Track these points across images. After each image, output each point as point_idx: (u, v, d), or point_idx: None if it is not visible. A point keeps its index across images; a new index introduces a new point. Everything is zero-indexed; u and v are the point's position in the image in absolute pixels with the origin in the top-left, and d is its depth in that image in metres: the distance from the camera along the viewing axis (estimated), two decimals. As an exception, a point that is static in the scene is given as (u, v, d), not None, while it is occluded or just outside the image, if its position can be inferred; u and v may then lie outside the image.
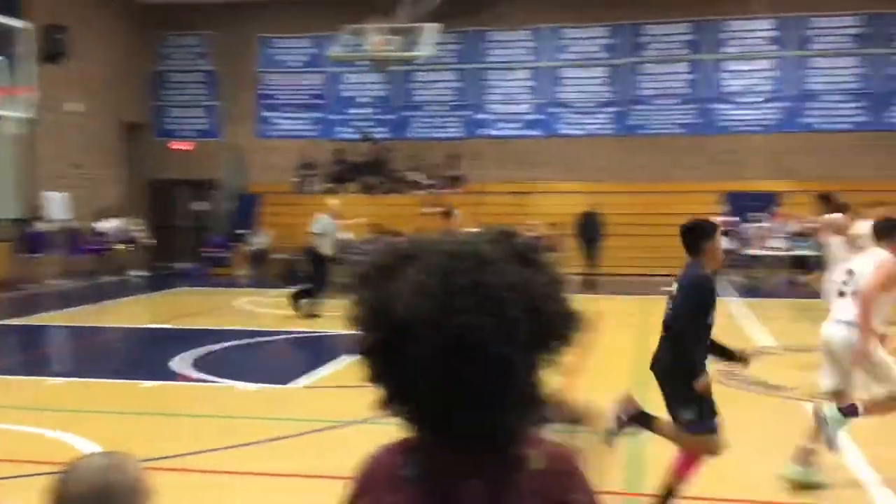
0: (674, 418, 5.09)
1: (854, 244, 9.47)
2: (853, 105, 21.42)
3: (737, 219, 19.66)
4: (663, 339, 5.22)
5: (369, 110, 24.00)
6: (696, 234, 5.13)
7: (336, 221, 14.25)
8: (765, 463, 6.30)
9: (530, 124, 23.08)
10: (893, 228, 5.93)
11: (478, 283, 1.24)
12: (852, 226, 9.62)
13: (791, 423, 7.47)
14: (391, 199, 22.09)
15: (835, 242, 9.62)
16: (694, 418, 4.95)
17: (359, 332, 1.33)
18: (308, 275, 14.13)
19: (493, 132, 23.23)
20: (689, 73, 22.30)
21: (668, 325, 5.17)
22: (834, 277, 9.38)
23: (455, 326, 1.22)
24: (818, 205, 10.15)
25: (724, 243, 20.39)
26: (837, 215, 9.81)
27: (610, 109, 22.66)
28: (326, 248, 13.86)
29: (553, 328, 1.30)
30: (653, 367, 5.31)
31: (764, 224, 19.49)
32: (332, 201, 15.03)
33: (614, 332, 12.06)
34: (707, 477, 5.90)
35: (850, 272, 5.92)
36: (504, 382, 1.25)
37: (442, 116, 23.64)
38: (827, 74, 21.56)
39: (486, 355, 1.23)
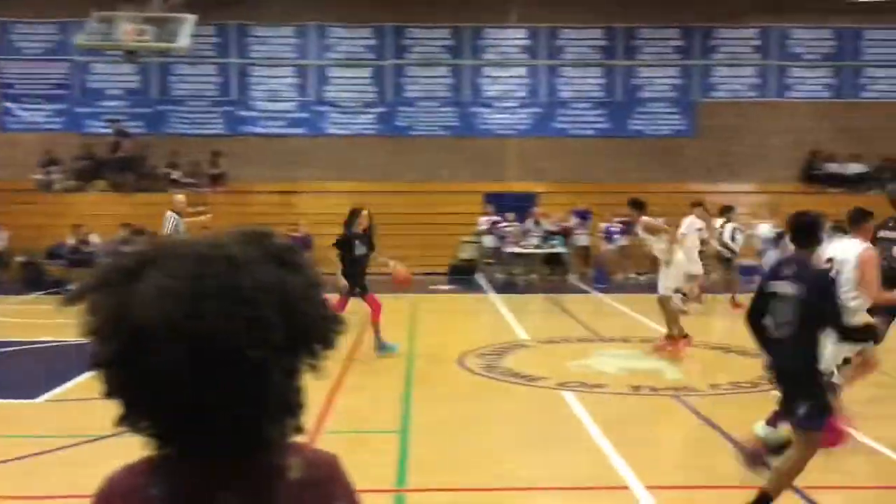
0: (789, 412, 4.90)
1: (676, 242, 10.52)
2: (598, 112, 23.11)
3: (500, 217, 20.56)
4: (789, 338, 4.84)
5: (122, 103, 22.63)
6: (813, 226, 4.94)
7: (183, 219, 13.68)
8: (525, 451, 6.58)
9: (296, 122, 22.82)
10: (863, 217, 6.51)
11: (227, 285, 1.17)
12: (664, 226, 10.83)
13: (547, 411, 7.89)
14: (146, 198, 20.92)
15: (652, 240, 10.52)
16: (810, 413, 4.75)
17: (93, 343, 1.20)
18: None
19: (258, 129, 22.72)
20: (450, 76, 23.03)
21: (796, 323, 4.79)
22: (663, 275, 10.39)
23: (204, 331, 1.14)
24: (631, 210, 10.97)
25: (488, 241, 21.13)
26: (648, 218, 10.73)
27: (376, 110, 22.90)
28: None
29: (310, 331, 1.25)
30: (773, 368, 4.99)
31: (526, 224, 20.49)
32: (179, 197, 14.38)
33: (385, 331, 12.17)
34: (467, 466, 6.08)
35: (830, 260, 6.38)
36: (259, 388, 1.19)
37: (202, 112, 22.77)
38: (575, 83, 23.11)
39: (238, 361, 1.16)
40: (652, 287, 18.64)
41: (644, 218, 10.69)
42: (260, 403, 1.20)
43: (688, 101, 22.98)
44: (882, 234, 7.81)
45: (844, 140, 22.40)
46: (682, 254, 10.76)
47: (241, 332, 1.15)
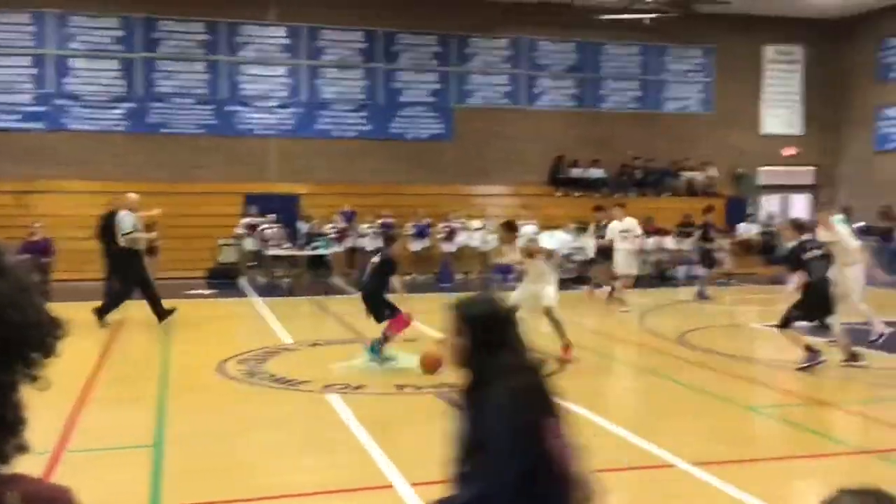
0: None
1: (550, 259, 10.50)
2: (360, 114, 23.24)
3: (263, 219, 20.02)
4: None
5: None
6: None
7: (138, 215, 12.82)
8: (288, 457, 6.42)
9: (32, 116, 20.94)
10: None
11: None
12: (544, 248, 10.94)
13: (310, 415, 7.76)
14: None
15: (529, 262, 10.34)
16: None
17: None
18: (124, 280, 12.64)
19: (-12, 123, 20.63)
20: (206, 73, 22.16)
21: None
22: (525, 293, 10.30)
23: None
24: (504, 232, 10.78)
25: (249, 244, 20.51)
26: (529, 242, 10.85)
27: (124, 105, 21.55)
28: (139, 246, 12.72)
29: (22, 340, 1.12)
30: None
31: (299, 225, 20.14)
32: (131, 195, 13.02)
33: (141, 339, 11.48)
34: (227, 477, 5.83)
35: None
36: None
37: (-81, 102, 20.33)
38: (336, 85, 23.07)
39: None
40: (418, 287, 19.06)
41: (526, 242, 10.67)
42: None
43: (445, 106, 23.70)
44: (807, 255, 9.06)
45: (588, 147, 24.15)
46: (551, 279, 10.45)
47: None
